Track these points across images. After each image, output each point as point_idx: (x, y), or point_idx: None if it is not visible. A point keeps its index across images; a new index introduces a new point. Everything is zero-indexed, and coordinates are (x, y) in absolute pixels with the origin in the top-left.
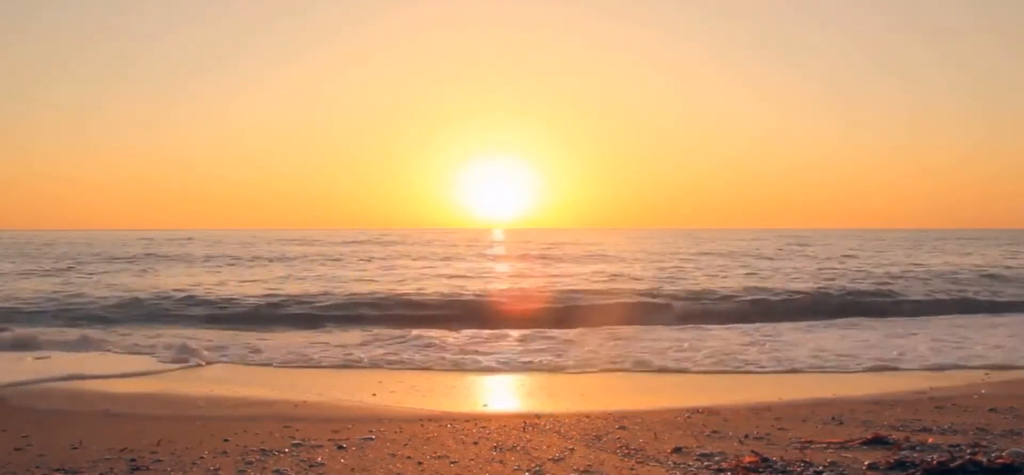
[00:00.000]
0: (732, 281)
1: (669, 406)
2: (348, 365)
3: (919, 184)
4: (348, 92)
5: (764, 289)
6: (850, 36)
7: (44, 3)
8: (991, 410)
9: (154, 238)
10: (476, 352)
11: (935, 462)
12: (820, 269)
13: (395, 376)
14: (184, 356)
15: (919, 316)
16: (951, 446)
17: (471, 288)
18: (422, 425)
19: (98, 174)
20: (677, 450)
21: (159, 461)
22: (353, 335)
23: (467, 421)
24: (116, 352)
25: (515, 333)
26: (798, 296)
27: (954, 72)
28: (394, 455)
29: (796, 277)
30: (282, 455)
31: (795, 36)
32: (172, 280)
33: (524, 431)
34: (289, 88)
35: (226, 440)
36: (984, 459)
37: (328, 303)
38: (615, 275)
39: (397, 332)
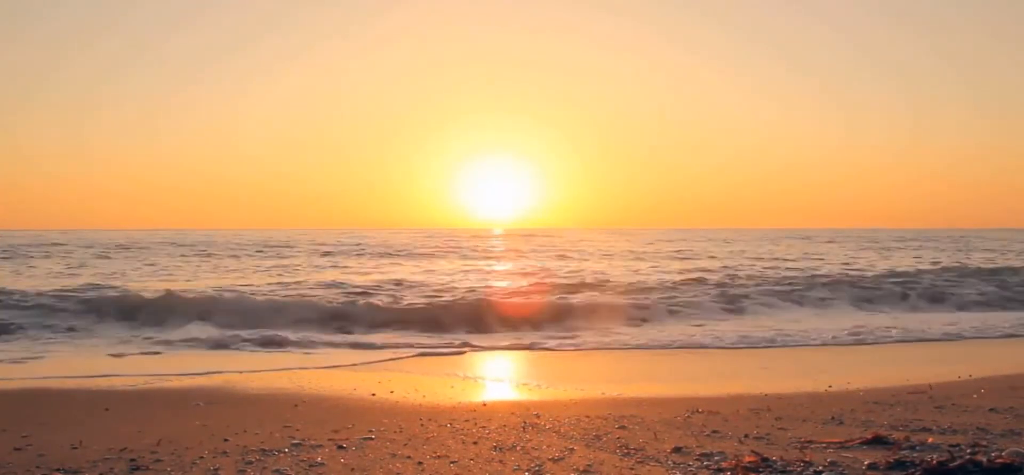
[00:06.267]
0: None
1: (669, 406)
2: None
3: (920, 184)
4: (348, 92)
5: None
6: (850, 36)
7: (44, 3)
8: (991, 410)
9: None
10: None
11: (935, 462)
12: None
13: (395, 376)
14: None
15: None
16: (951, 446)
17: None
18: (422, 425)
19: (98, 174)
20: (677, 450)
21: (159, 461)
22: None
23: (467, 421)
24: None
25: None
26: None
27: (954, 72)
28: (394, 455)
29: None
30: (282, 455)
31: (795, 36)
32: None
33: (524, 431)
34: (289, 88)
35: (226, 440)
36: (984, 459)
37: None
38: None
39: None
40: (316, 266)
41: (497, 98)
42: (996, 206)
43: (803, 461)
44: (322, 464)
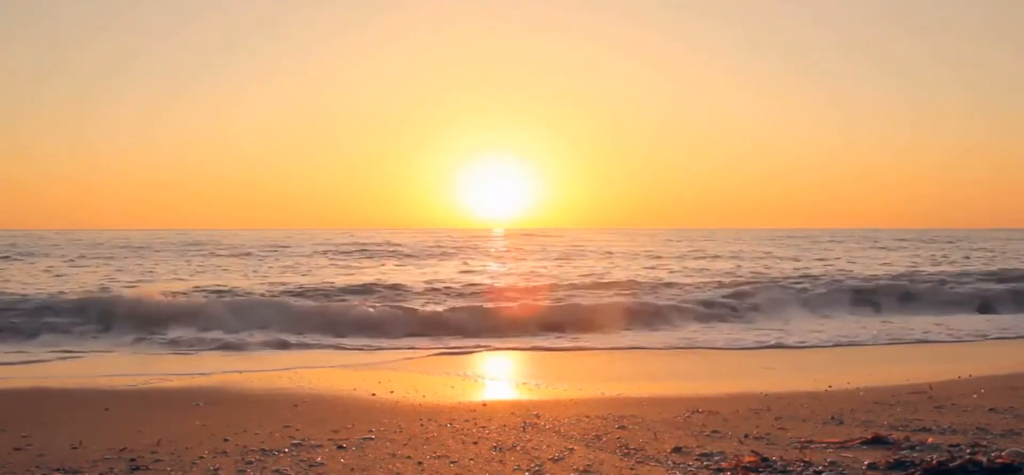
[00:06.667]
0: None
1: (669, 406)
2: (350, 365)
3: (919, 184)
4: (347, 92)
5: None
6: (850, 36)
7: (44, 3)
8: (991, 410)
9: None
10: None
11: (935, 462)
12: None
13: (395, 376)
14: None
15: None
16: (951, 446)
17: None
18: (422, 425)
19: (98, 174)
20: (677, 450)
21: (159, 461)
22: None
23: (467, 421)
24: None
25: None
26: None
27: (954, 72)
28: (394, 455)
29: None
30: (282, 455)
31: (795, 36)
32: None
33: (524, 431)
34: (289, 88)
35: (226, 440)
36: (984, 459)
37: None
38: None
39: None
40: (319, 267)
41: (497, 98)
42: (998, 206)
43: (803, 461)
44: (322, 464)
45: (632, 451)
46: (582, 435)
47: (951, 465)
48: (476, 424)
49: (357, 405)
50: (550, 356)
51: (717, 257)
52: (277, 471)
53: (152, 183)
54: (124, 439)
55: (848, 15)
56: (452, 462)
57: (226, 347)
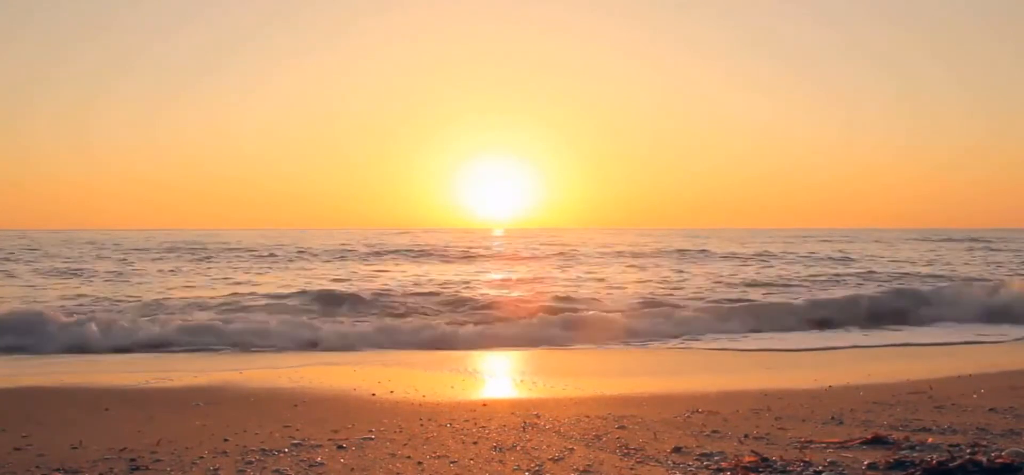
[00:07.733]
0: None
1: (669, 406)
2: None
3: (919, 184)
4: (348, 92)
5: None
6: (850, 36)
7: (44, 3)
8: (991, 410)
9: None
10: None
11: (935, 462)
12: None
13: (395, 375)
14: None
15: None
16: (951, 446)
17: None
18: (422, 425)
19: (98, 174)
20: (677, 450)
21: (159, 461)
22: None
23: (467, 421)
24: None
25: None
26: None
27: (953, 72)
28: (394, 455)
29: None
30: (282, 455)
31: (795, 36)
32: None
33: (524, 431)
34: (289, 88)
35: (226, 440)
36: (984, 459)
37: None
38: None
39: None
40: (327, 270)
41: (497, 98)
42: (998, 206)
43: (803, 461)
44: (322, 464)
45: (632, 451)
46: (582, 435)
47: (951, 465)
48: (476, 424)
49: (357, 405)
50: (550, 356)
51: (724, 257)
52: (277, 471)
53: (152, 183)
54: (124, 439)
55: (848, 15)
56: (452, 462)
57: (226, 347)
